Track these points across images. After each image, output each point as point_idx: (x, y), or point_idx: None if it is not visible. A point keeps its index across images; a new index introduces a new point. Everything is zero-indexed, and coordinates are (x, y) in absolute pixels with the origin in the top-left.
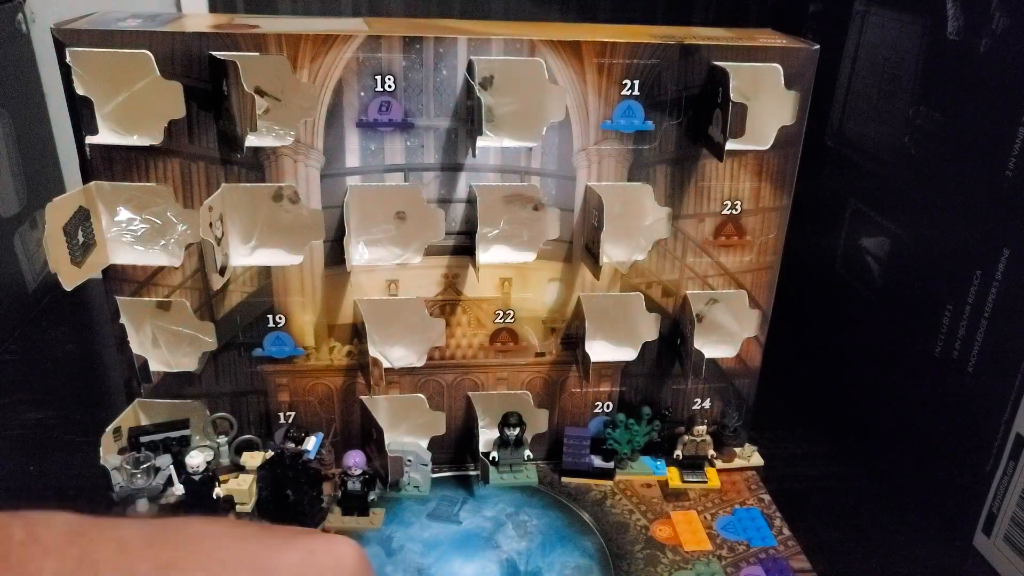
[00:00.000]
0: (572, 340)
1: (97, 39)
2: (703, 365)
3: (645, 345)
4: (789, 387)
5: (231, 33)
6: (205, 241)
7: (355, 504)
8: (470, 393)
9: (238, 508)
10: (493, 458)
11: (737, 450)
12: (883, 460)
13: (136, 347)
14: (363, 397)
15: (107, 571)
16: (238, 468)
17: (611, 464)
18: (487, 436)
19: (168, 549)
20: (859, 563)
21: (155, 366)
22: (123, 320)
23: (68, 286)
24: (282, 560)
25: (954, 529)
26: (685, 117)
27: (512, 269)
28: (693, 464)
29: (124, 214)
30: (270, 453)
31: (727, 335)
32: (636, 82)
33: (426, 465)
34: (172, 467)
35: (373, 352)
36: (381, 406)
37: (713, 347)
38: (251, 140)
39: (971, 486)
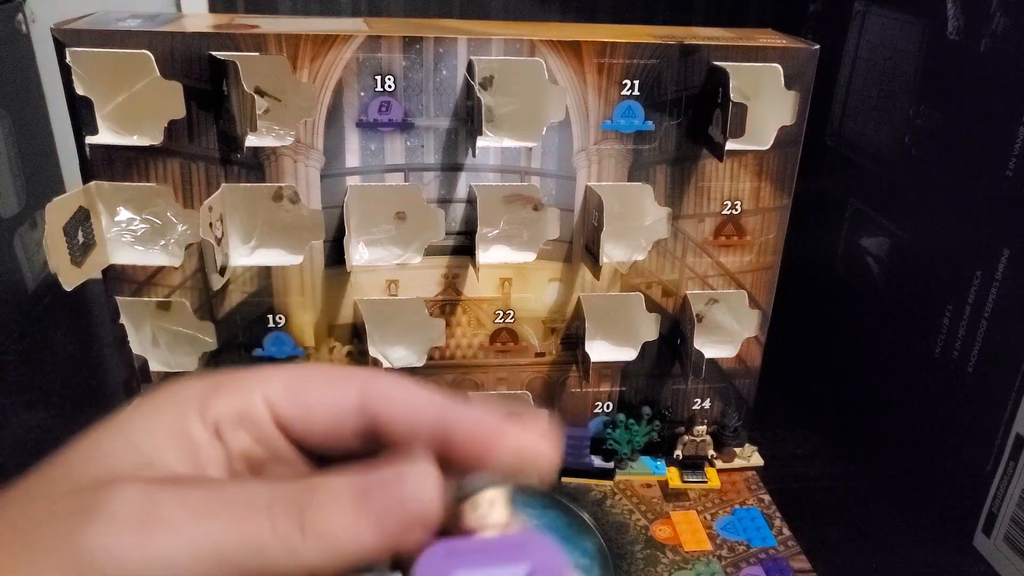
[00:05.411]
0: (572, 340)
1: (97, 39)
2: (703, 365)
3: (645, 345)
4: (789, 387)
5: (231, 33)
6: (205, 241)
7: None
8: (470, 393)
9: None
10: None
11: (737, 450)
12: (883, 460)
13: (136, 347)
14: None
15: None
16: None
17: (611, 464)
18: None
19: None
20: (859, 563)
21: (155, 366)
22: (123, 320)
23: (68, 286)
24: None
25: (954, 529)
26: (685, 117)
27: (512, 269)
28: (693, 464)
29: (124, 214)
30: None
31: (727, 335)
32: (636, 82)
33: None
34: None
35: (373, 352)
36: None
37: (713, 347)
38: (251, 140)
39: (971, 486)
